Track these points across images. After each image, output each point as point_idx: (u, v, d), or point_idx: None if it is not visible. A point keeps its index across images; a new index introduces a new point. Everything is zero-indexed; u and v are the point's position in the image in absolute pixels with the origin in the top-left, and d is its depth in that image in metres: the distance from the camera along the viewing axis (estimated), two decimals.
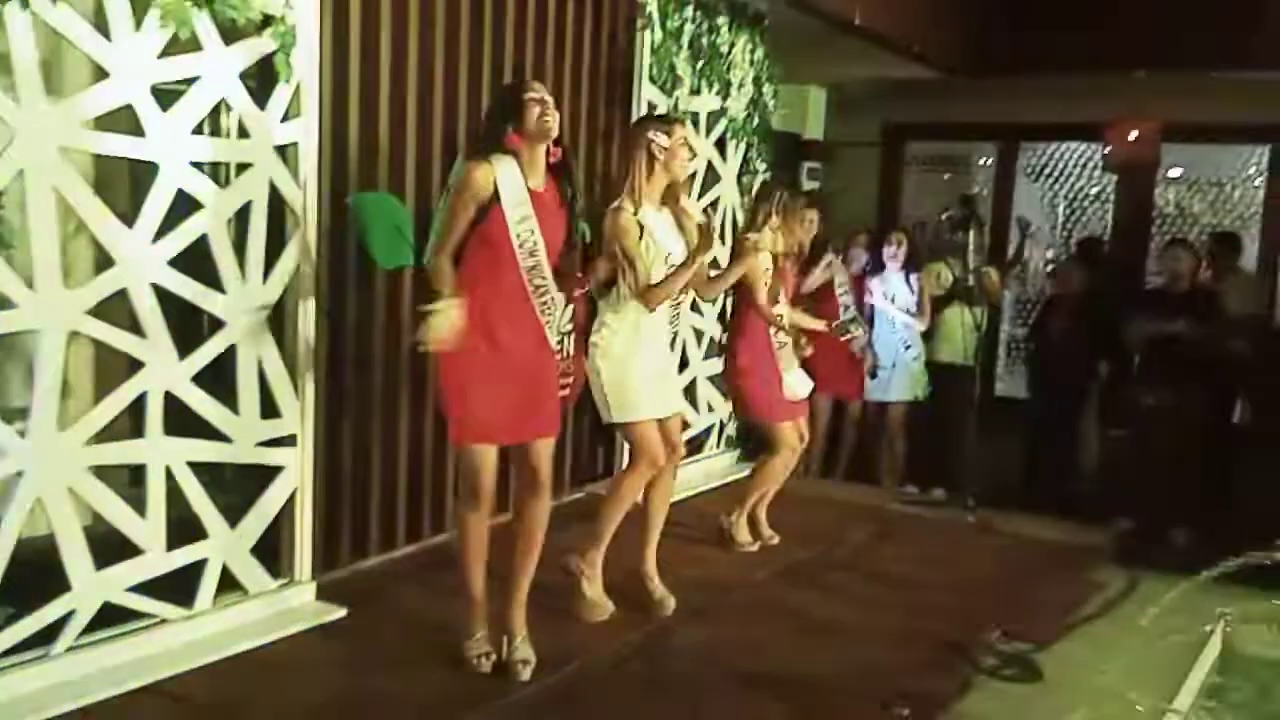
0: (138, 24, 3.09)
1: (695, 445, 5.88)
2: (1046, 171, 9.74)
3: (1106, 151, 8.41)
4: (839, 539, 4.99)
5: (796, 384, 4.71)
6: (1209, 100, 7.74)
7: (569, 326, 4.39)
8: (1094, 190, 9.52)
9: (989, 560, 4.89)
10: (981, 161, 10.20)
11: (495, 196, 3.14)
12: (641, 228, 3.72)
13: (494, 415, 3.23)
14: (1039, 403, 7.02)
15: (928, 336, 6.51)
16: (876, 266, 6.48)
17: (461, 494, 3.36)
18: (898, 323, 6.43)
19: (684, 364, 5.70)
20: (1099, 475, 6.87)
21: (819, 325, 5.06)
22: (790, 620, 3.97)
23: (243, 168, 3.51)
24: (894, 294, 6.44)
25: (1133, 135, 8.19)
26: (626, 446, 4.13)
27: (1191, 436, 6.02)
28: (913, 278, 6.44)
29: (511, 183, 3.16)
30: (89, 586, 3.12)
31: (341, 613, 3.72)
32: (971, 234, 5.91)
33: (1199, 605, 4.00)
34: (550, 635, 3.48)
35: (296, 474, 3.71)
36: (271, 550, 3.71)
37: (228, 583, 3.56)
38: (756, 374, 4.60)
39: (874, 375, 6.45)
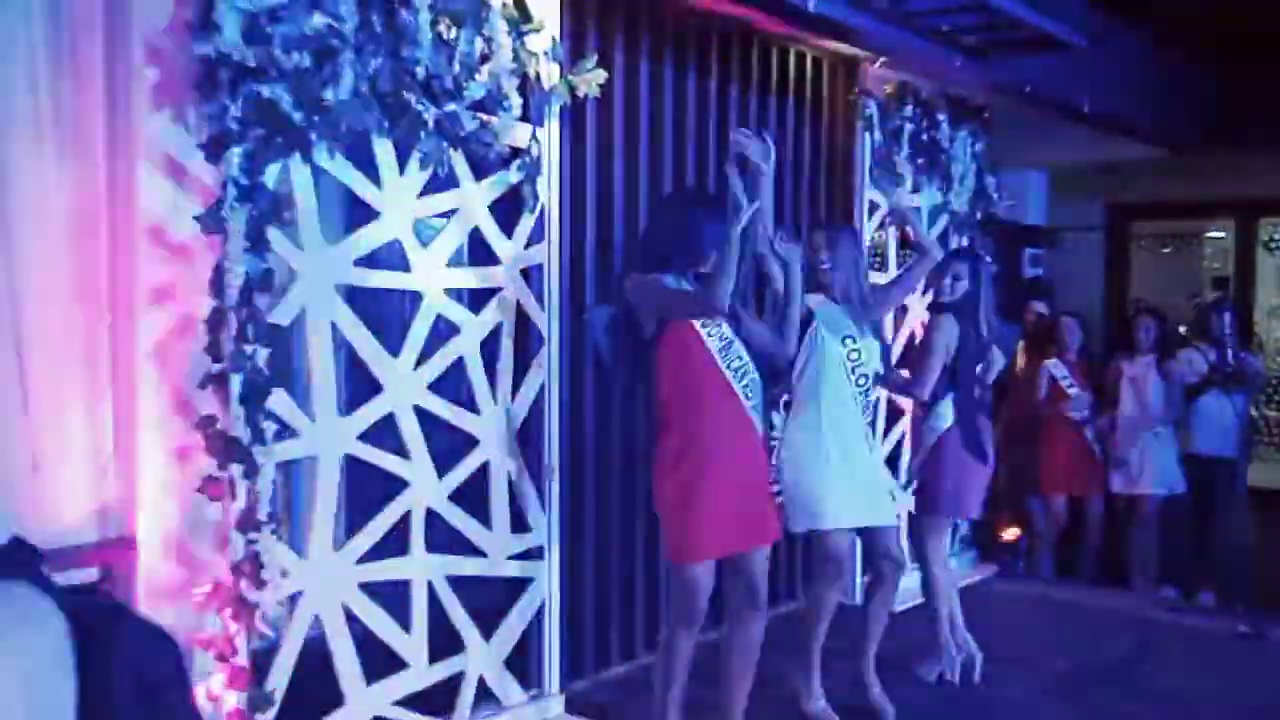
0: (401, 168, 3.32)
1: None
2: None
3: None
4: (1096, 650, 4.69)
5: None
6: None
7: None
8: None
9: (1269, 675, 4.47)
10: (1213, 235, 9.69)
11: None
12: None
13: (713, 529, 3.18)
14: None
15: (1183, 427, 6.11)
16: (1123, 349, 6.18)
17: (675, 616, 3.29)
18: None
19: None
20: None
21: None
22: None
23: (491, 292, 3.68)
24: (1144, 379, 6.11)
25: None
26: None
27: None
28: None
29: None
30: (361, 700, 3.25)
31: None
32: (1227, 318, 5.57)
33: None
34: None
35: (545, 585, 3.79)
36: (522, 662, 3.78)
37: (483, 695, 3.64)
38: None
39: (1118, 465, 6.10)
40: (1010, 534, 6.05)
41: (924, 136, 5.48)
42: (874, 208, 5.25)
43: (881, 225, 5.28)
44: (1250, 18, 6.64)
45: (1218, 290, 6.05)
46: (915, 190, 5.51)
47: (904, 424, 5.33)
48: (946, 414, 4.09)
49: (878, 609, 3.89)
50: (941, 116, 5.59)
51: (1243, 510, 5.65)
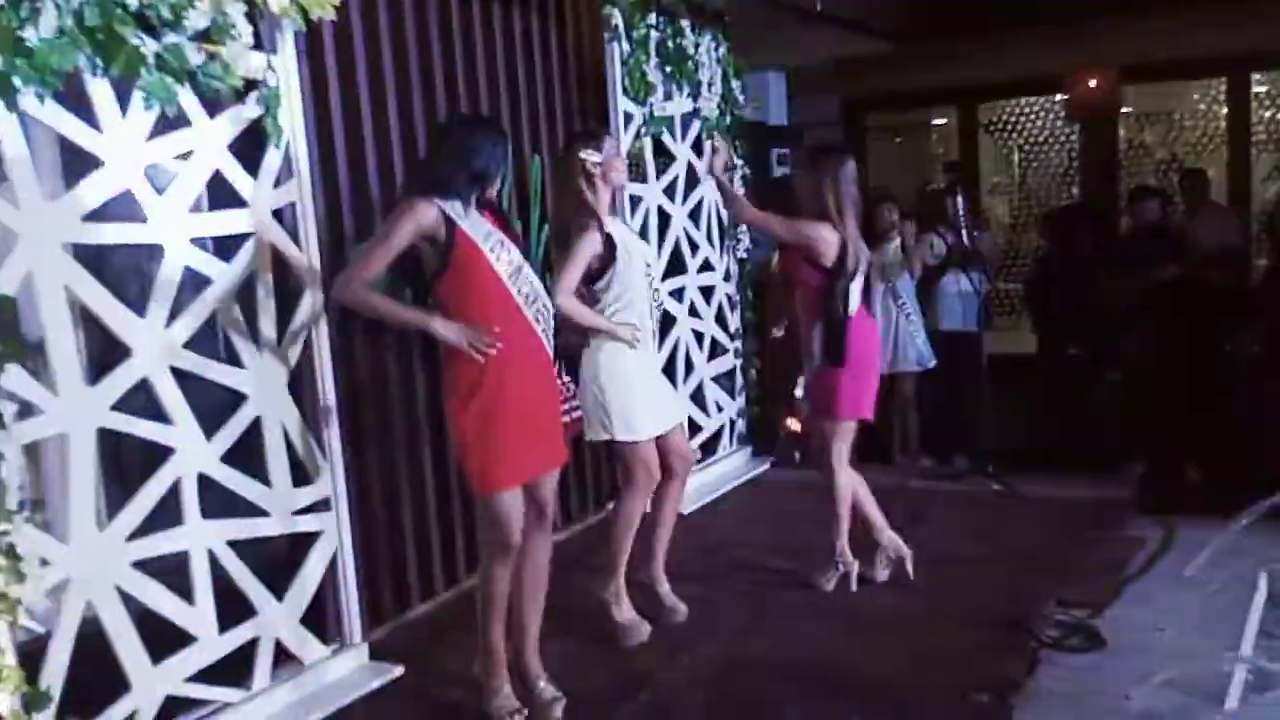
0: (123, 109, 3.03)
1: (706, 447, 5.89)
2: (1006, 128, 9.84)
3: (1067, 102, 8.49)
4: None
5: None
6: (1162, 39, 7.81)
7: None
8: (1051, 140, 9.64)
9: (1023, 527, 4.91)
10: (938, 123, 10.33)
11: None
12: (613, 241, 3.71)
13: (516, 455, 3.16)
14: (1047, 359, 7.03)
15: (928, 306, 6.51)
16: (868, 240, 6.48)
17: (490, 548, 3.23)
18: (901, 294, 6.39)
19: (690, 368, 5.69)
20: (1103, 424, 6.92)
21: None
22: (844, 618, 3.97)
23: (242, 238, 3.45)
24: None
25: (1092, 83, 8.27)
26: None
27: (1177, 372, 6.10)
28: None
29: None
30: (149, 682, 3.06)
31: (398, 671, 3.68)
32: (960, 201, 5.93)
33: (1234, 547, 4.10)
34: (609, 665, 3.46)
35: (335, 536, 3.66)
36: (319, 617, 3.66)
37: (282, 656, 3.51)
38: None
39: None
40: (793, 425, 6.30)
41: (670, 44, 5.49)
42: (628, 119, 5.24)
43: (638, 136, 5.28)
44: None
45: (949, 174, 6.41)
46: (667, 98, 5.54)
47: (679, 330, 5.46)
48: None
49: (668, 508, 3.98)
50: (685, 22, 5.61)
51: (984, 379, 6.10)
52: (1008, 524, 4.99)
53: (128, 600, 3.04)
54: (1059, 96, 9.07)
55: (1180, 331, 6.16)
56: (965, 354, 6.13)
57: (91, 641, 2.95)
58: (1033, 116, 9.79)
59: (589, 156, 3.69)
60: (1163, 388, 6.16)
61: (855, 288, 4.09)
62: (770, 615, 4.03)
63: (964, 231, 6.12)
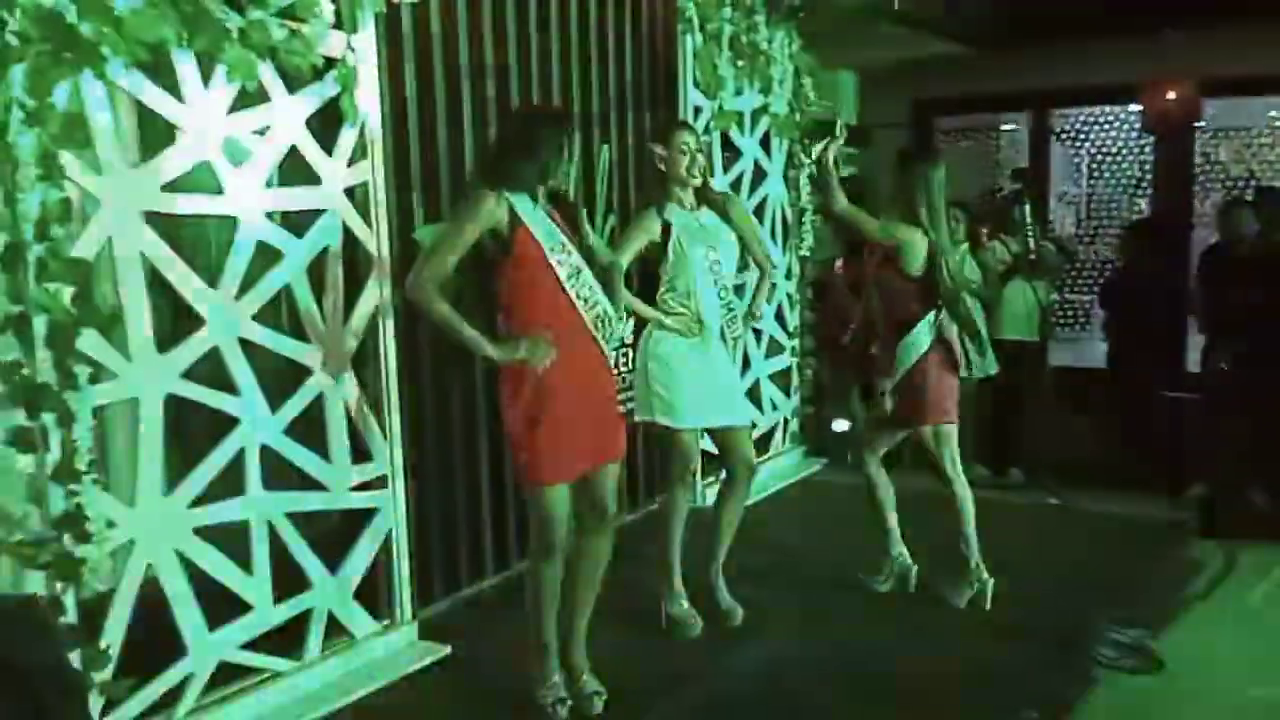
0: (206, 81, 3.07)
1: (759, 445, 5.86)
2: (1078, 136, 9.68)
3: (1143, 113, 8.32)
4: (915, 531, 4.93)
5: None
6: (1242, 53, 7.62)
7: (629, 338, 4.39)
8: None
9: (1080, 543, 4.83)
10: (1007, 128, 10.17)
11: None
12: (669, 230, 3.74)
13: (562, 452, 3.14)
14: (1116, 374, 6.88)
15: (991, 314, 6.41)
16: None
17: (534, 543, 3.23)
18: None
19: (747, 365, 5.67)
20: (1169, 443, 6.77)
21: None
22: (894, 622, 3.93)
23: (314, 214, 3.48)
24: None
25: (1170, 95, 8.09)
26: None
27: (1256, 395, 5.93)
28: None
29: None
30: (205, 648, 3.11)
31: (445, 650, 3.71)
32: (1027, 208, 5.84)
33: None
34: (656, 658, 3.45)
35: (390, 514, 3.69)
36: (371, 594, 3.69)
37: (333, 629, 3.55)
38: None
39: None
40: (840, 425, 6.25)
41: (744, 38, 5.46)
42: (698, 111, 5.22)
43: (706, 130, 5.26)
44: None
45: (1016, 182, 6.30)
46: (737, 93, 5.51)
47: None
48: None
49: (728, 511, 3.96)
50: (759, 17, 5.58)
51: (1046, 391, 6.01)
52: (1064, 539, 4.91)
53: (188, 567, 3.09)
54: (1133, 107, 8.90)
55: (1264, 352, 5.99)
56: (1027, 364, 6.02)
57: (150, 605, 3.01)
58: (1105, 126, 9.62)
59: (655, 149, 3.81)
60: (1239, 409, 6.00)
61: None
62: (819, 616, 4.00)
63: (1030, 240, 6.01)
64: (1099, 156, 9.75)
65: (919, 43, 7.54)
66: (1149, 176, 9.23)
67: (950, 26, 7.32)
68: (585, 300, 3.17)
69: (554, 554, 3.20)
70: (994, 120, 10.26)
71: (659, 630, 3.83)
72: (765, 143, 5.81)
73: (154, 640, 3.03)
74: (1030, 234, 6.05)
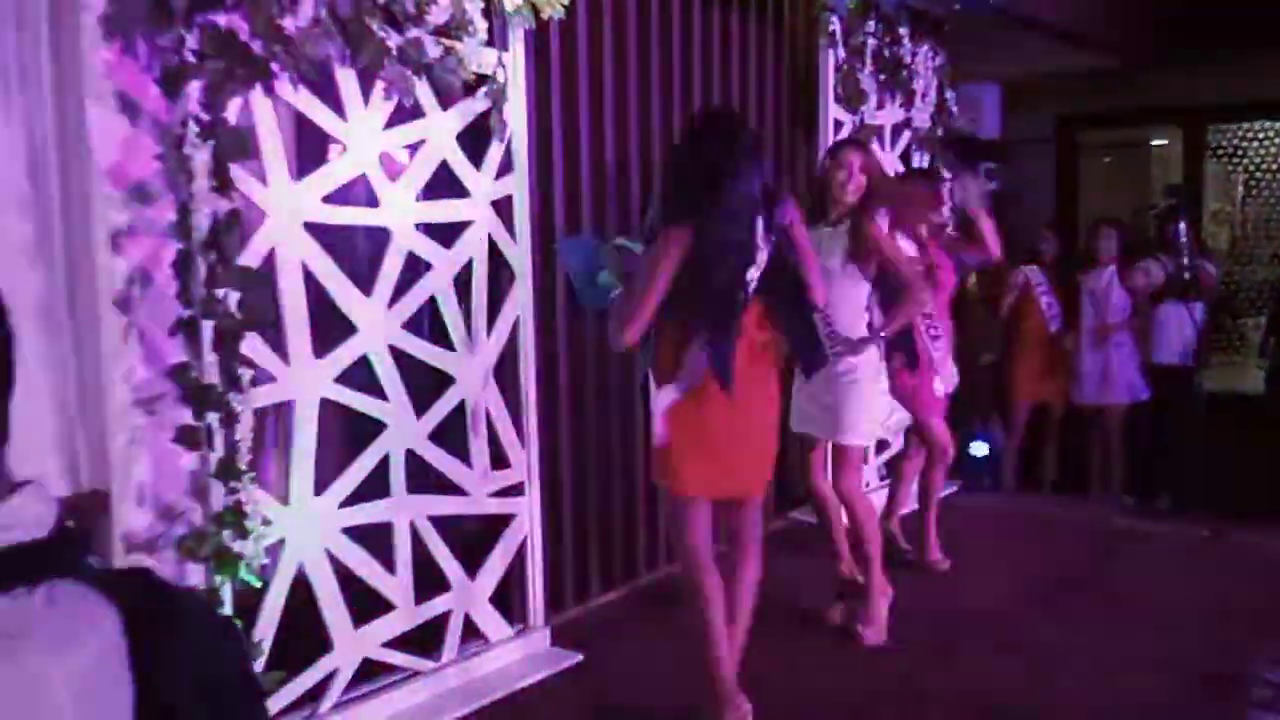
0: (366, 99, 3.18)
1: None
2: (1235, 152, 9.24)
3: None
4: (1062, 558, 4.79)
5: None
6: None
7: None
8: None
9: (1229, 576, 4.60)
10: (1157, 144, 9.77)
11: None
12: None
13: (701, 469, 3.10)
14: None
15: (1142, 336, 6.18)
16: (1084, 263, 6.22)
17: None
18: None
19: None
20: None
21: None
22: (1031, 653, 3.81)
23: (460, 226, 3.57)
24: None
25: None
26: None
27: None
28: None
29: None
30: (350, 645, 3.21)
31: (577, 657, 3.75)
32: (1182, 226, 5.61)
33: None
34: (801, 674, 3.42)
35: (526, 521, 3.75)
36: (505, 598, 3.76)
37: (468, 632, 3.62)
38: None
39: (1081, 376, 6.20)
40: (978, 448, 6.10)
41: (886, 52, 5.40)
42: (839, 126, 5.18)
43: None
44: None
45: (1170, 198, 6.06)
46: (879, 107, 5.44)
47: None
48: None
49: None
50: (903, 31, 5.50)
51: (1200, 417, 5.76)
52: (1212, 571, 4.68)
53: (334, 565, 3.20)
54: None
55: None
56: (1180, 389, 5.78)
57: (298, 601, 3.12)
58: (1265, 142, 9.17)
59: (823, 162, 4.04)
60: None
61: None
62: (950, 642, 3.91)
63: (1186, 259, 5.78)
64: (1257, 174, 9.29)
65: (1066, 54, 7.34)
66: None
67: (1102, 37, 7.08)
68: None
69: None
70: (1140, 135, 9.89)
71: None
72: (905, 158, 5.73)
73: (300, 636, 3.14)
74: (1186, 253, 5.81)
